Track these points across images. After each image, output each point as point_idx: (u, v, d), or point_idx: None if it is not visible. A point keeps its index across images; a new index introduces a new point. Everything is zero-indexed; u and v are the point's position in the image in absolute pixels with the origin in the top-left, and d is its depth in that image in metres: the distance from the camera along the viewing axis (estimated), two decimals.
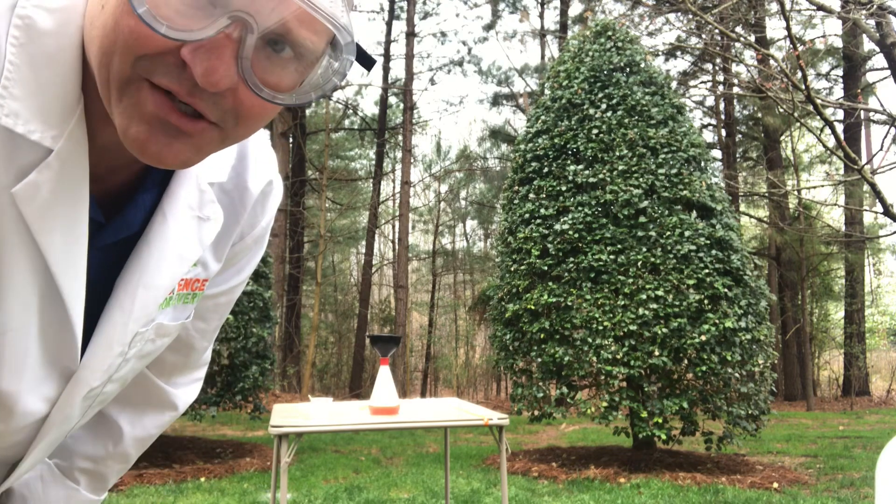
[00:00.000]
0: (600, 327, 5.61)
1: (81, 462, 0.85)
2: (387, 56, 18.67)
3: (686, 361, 5.71)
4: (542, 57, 18.60)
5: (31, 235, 0.54)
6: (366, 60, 0.55)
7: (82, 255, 0.58)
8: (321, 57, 0.52)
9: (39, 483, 0.84)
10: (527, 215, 6.25)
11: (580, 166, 6.12)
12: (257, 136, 0.73)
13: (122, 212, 0.62)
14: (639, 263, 5.72)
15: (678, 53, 15.39)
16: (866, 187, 10.68)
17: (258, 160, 0.74)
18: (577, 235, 5.90)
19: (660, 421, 5.50)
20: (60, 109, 0.53)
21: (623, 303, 5.63)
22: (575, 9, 18.25)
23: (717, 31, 8.60)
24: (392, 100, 19.93)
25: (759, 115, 15.58)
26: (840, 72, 16.70)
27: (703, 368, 5.51)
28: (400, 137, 18.53)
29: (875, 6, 7.76)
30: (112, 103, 0.50)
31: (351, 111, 20.46)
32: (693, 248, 5.71)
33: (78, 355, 0.63)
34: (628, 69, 6.59)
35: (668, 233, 5.78)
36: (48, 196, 0.54)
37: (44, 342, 0.60)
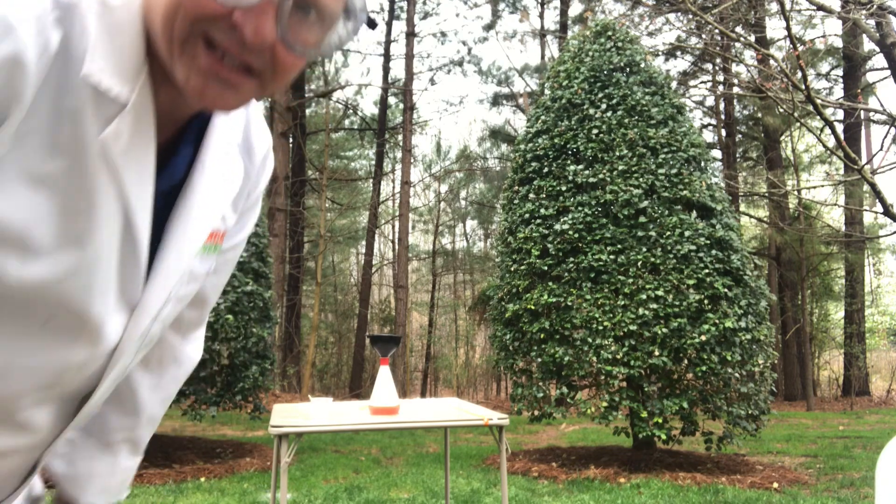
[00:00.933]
0: (600, 327, 5.60)
1: (118, 434, 0.92)
2: (387, 56, 18.67)
3: (686, 361, 5.70)
4: (542, 57, 18.60)
5: (117, 177, 0.63)
6: (371, 22, 0.67)
7: (150, 198, 0.67)
8: (338, 18, 0.64)
9: (84, 461, 0.91)
10: (527, 215, 6.25)
11: (580, 166, 6.12)
12: (255, 104, 0.82)
13: (169, 163, 0.71)
14: (639, 263, 5.72)
15: (678, 53, 15.39)
16: (866, 187, 10.68)
17: (259, 125, 0.84)
18: (577, 235, 5.90)
19: (660, 421, 5.49)
20: (132, 70, 0.62)
21: (623, 303, 5.63)
22: (575, 9, 18.26)
23: (717, 31, 8.60)
24: (392, 100, 19.93)
25: (759, 115, 15.58)
26: (840, 72, 16.69)
27: (703, 368, 5.51)
28: (400, 137, 18.53)
29: (875, 6, 7.76)
30: (174, 58, 0.60)
31: (351, 111, 20.46)
32: (693, 248, 5.71)
33: (141, 288, 0.71)
34: (628, 69, 6.59)
35: (668, 233, 5.77)
36: (127, 143, 0.63)
37: (120, 274, 0.68)
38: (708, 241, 5.80)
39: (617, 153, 6.08)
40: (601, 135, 6.17)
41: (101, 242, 0.64)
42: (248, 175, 0.82)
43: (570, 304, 5.76)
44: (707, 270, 5.67)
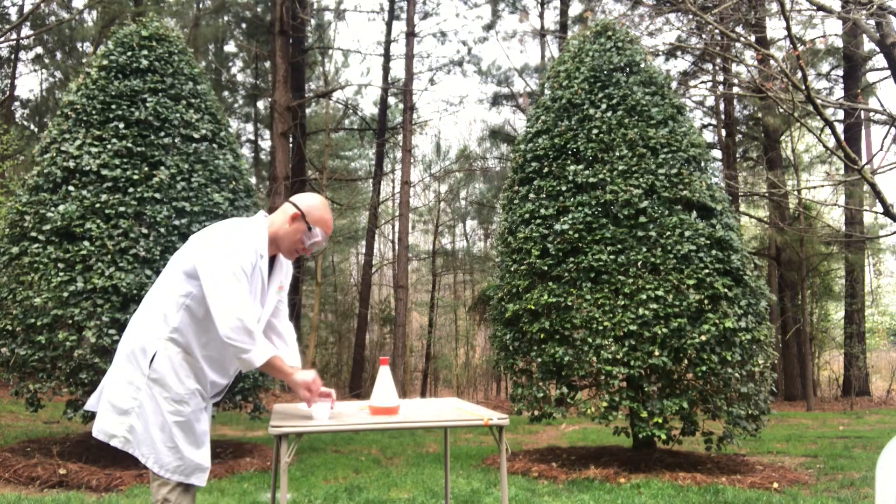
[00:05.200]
0: (600, 327, 5.60)
1: (276, 342, 2.72)
2: (387, 56, 18.66)
3: (686, 361, 5.70)
4: (542, 57, 18.59)
5: (262, 273, 2.49)
6: None
7: (267, 275, 2.55)
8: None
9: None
10: (527, 215, 6.24)
11: (580, 166, 6.12)
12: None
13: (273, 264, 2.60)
14: (639, 263, 5.72)
15: (678, 53, 15.37)
16: (866, 187, 10.68)
17: (288, 261, 2.70)
18: (577, 235, 5.89)
19: (660, 421, 5.49)
20: (267, 248, 2.51)
21: (623, 303, 5.63)
22: (575, 9, 18.25)
23: (717, 31, 8.60)
24: (392, 100, 19.92)
25: (759, 115, 15.56)
26: (840, 72, 16.68)
27: (703, 368, 5.51)
28: (400, 137, 18.52)
29: (875, 6, 7.75)
30: (286, 252, 2.59)
31: (351, 111, 20.45)
32: (693, 248, 5.71)
33: (263, 302, 2.53)
34: (628, 69, 6.58)
35: (668, 233, 5.77)
36: (264, 262, 2.49)
37: (260, 299, 2.50)
38: (708, 241, 5.79)
39: (617, 153, 6.08)
40: (601, 135, 6.17)
41: (256, 290, 2.44)
42: (287, 268, 2.67)
43: (570, 304, 5.76)
44: (707, 270, 5.67)
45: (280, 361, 2.42)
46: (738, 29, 10.93)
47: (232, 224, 2.46)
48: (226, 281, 2.30)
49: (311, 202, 2.56)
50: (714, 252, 5.77)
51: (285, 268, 2.63)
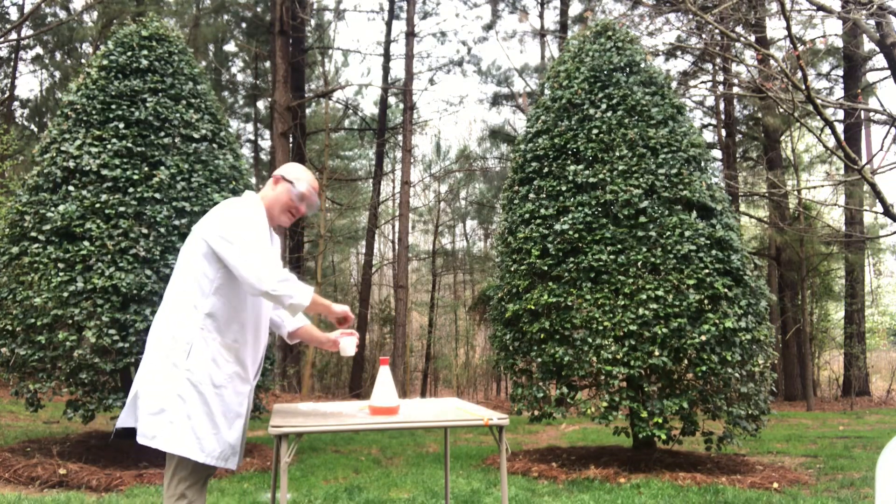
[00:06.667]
0: (600, 327, 5.60)
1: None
2: (387, 56, 18.66)
3: (686, 361, 5.70)
4: (542, 57, 18.59)
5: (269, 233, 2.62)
6: None
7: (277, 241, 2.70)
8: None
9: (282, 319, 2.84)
10: (527, 215, 6.24)
11: (580, 166, 6.12)
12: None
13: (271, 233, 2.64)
14: (639, 263, 5.72)
15: (678, 53, 15.37)
16: (866, 187, 10.67)
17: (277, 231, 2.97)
18: (577, 235, 5.89)
19: (660, 421, 5.49)
20: (265, 216, 2.60)
21: (623, 303, 5.62)
22: (575, 9, 18.25)
23: (717, 31, 8.59)
24: (392, 100, 19.92)
25: (759, 115, 15.56)
26: (840, 72, 16.68)
27: (703, 368, 5.51)
28: (400, 137, 18.52)
29: (875, 6, 7.75)
30: (279, 219, 2.64)
31: (351, 111, 20.45)
32: (693, 248, 5.70)
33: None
34: (628, 69, 6.58)
35: (668, 233, 5.77)
36: (269, 227, 2.62)
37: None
38: (708, 241, 5.79)
39: (617, 153, 6.08)
40: (601, 135, 6.17)
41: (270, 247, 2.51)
42: (278, 244, 2.68)
43: (570, 304, 5.76)
44: (707, 270, 5.67)
45: (317, 296, 2.49)
46: (738, 29, 10.92)
47: (229, 201, 2.53)
48: (245, 243, 2.37)
49: (289, 166, 2.70)
50: (714, 252, 5.76)
51: (277, 243, 2.70)
